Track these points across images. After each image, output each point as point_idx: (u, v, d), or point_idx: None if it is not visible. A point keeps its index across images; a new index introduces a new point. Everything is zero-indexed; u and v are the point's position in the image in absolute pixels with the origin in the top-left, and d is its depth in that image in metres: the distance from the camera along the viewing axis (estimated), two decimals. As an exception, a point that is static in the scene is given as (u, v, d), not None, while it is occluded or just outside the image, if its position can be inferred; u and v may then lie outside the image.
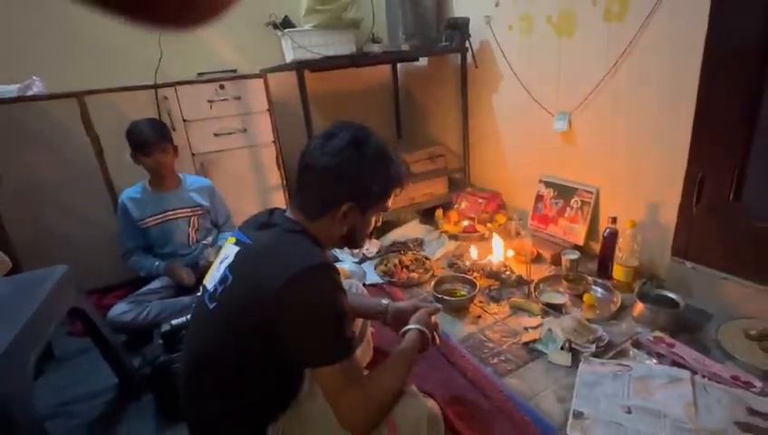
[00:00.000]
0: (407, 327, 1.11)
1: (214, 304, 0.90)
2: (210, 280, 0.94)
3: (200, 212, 1.94)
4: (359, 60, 2.27)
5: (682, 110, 1.61)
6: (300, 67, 2.07)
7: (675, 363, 1.34)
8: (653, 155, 1.76)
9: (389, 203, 0.99)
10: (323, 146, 0.90)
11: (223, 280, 0.91)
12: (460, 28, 2.33)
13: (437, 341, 1.20)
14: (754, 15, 1.37)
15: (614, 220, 1.83)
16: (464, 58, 2.48)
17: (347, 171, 0.88)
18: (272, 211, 0.98)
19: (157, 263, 1.87)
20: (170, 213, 1.90)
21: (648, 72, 1.71)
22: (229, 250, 0.96)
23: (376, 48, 2.36)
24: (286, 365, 0.87)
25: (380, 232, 2.57)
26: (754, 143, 1.48)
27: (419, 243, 2.42)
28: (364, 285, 2.00)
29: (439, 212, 2.63)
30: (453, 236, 2.44)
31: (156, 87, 2.02)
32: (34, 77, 1.91)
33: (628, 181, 1.88)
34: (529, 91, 2.21)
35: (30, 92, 1.86)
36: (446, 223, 2.55)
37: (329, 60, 2.20)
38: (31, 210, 1.91)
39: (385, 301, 1.26)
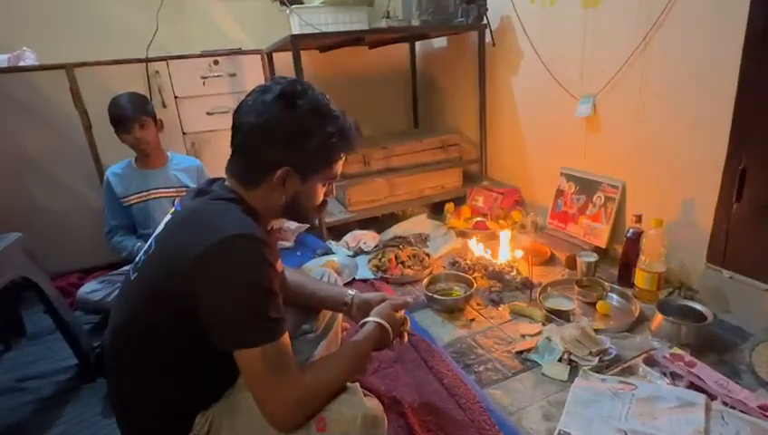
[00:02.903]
0: (366, 319, 1.07)
1: (135, 275, 0.88)
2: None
3: (185, 193, 1.96)
4: (361, 35, 2.22)
5: (722, 89, 1.47)
6: (295, 42, 2.05)
7: (692, 386, 1.20)
8: (687, 143, 1.63)
9: (337, 169, 0.94)
10: (254, 101, 0.86)
11: (147, 250, 0.89)
12: (476, 2, 2.24)
13: (405, 339, 1.15)
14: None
15: (639, 219, 1.72)
16: (481, 36, 2.41)
17: (277, 130, 0.84)
18: (214, 179, 0.96)
19: (138, 244, 1.90)
20: (153, 192, 1.92)
21: (682, 46, 1.58)
22: (165, 219, 0.94)
23: (384, 23, 2.31)
24: (215, 347, 0.83)
25: (383, 225, 2.53)
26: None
27: (424, 239, 2.37)
28: (354, 280, 1.98)
29: (450, 206, 2.57)
30: (461, 233, 2.37)
31: (147, 61, 2.06)
32: (26, 48, 1.99)
33: (658, 174, 1.77)
34: (551, 71, 2.12)
35: (21, 63, 1.95)
36: (455, 218, 2.48)
37: (328, 35, 2.17)
38: (15, 181, 1.98)
39: (352, 291, 1.22)
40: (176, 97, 2.17)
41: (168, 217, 0.94)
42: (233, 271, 0.77)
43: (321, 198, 0.96)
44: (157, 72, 2.10)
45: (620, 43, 1.77)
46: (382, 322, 1.05)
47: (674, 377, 1.25)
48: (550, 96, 2.16)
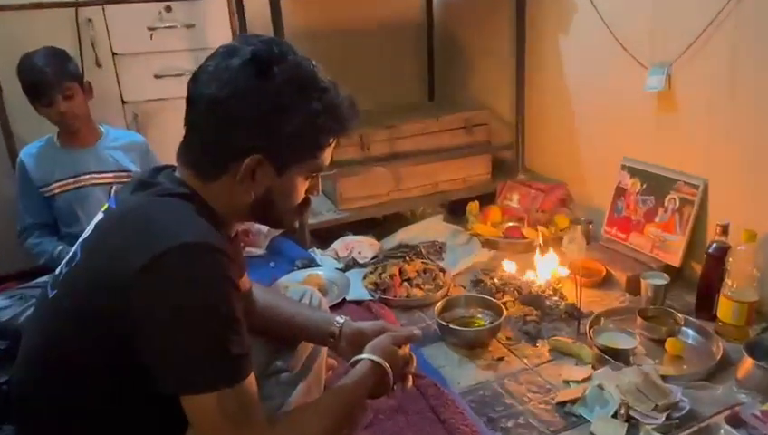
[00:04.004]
0: (358, 356, 1.07)
1: (54, 292, 0.89)
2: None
3: (125, 178, 1.97)
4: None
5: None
6: (273, -19, 2.07)
7: (790, 455, 1.20)
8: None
9: (325, 158, 0.94)
10: (217, 66, 0.86)
11: (71, 259, 0.90)
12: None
13: (410, 383, 1.16)
14: None
15: (724, 230, 1.73)
16: (521, -20, 2.43)
17: (245, 106, 0.84)
18: (161, 168, 0.97)
19: (60, 247, 1.91)
20: (84, 177, 1.94)
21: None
22: (96, 220, 0.95)
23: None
24: (157, 390, 0.83)
25: (384, 230, 2.54)
26: None
27: (438, 249, 2.38)
28: (344, 301, 2.00)
29: (474, 206, 2.58)
30: (488, 243, 2.39)
31: (76, 5, 2.07)
32: None
33: (752, 171, 1.78)
34: (612, 29, 2.13)
35: None
36: (481, 222, 2.49)
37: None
38: None
39: (341, 318, 1.22)
40: (114, 54, 2.17)
41: (99, 216, 0.94)
42: (182, 292, 0.77)
43: (302, 196, 0.97)
44: (89, 20, 2.10)
45: (705, -6, 1.78)
46: (380, 360, 1.05)
47: (766, 442, 1.25)
48: (610, 63, 2.17)
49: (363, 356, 1.05)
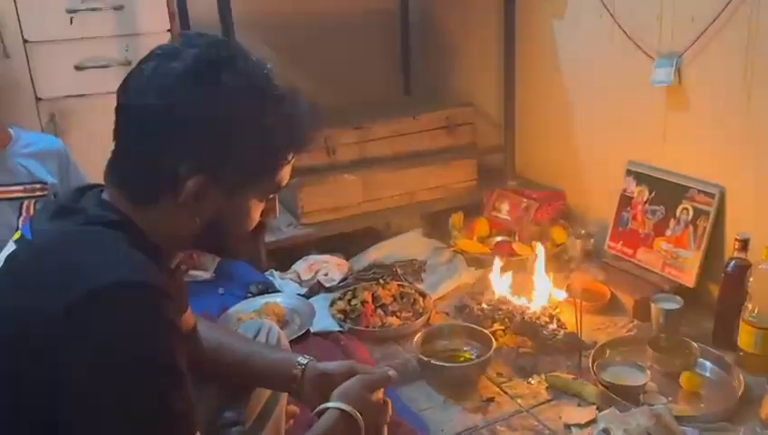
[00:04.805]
0: (325, 404, 1.07)
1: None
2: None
3: (40, 192, 1.93)
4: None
5: None
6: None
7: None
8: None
9: (282, 177, 0.94)
10: (154, 72, 0.85)
11: (-25, 304, 0.87)
12: None
13: (384, 434, 1.16)
14: None
15: (744, 245, 1.77)
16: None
17: (188, 119, 0.84)
18: (85, 189, 0.95)
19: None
20: (-12, 191, 1.89)
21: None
22: (4, 253, 0.93)
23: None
24: None
25: (354, 247, 2.54)
26: None
27: (417, 268, 2.40)
28: (308, 333, 1.99)
29: (457, 218, 2.61)
30: (475, 261, 2.41)
31: (-22, -15, 2.04)
32: None
33: None
34: (614, 15, 2.17)
35: None
36: (466, 237, 2.51)
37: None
38: None
39: (304, 359, 1.22)
40: (25, 41, 2.13)
41: (10, 247, 0.92)
42: (112, 340, 0.76)
43: (256, 220, 0.96)
44: (-8, 2, 2.07)
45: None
46: (350, 409, 1.05)
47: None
48: (612, 53, 2.21)
49: (330, 405, 1.05)
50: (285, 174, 0.95)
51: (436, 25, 3.17)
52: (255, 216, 0.96)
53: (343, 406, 1.05)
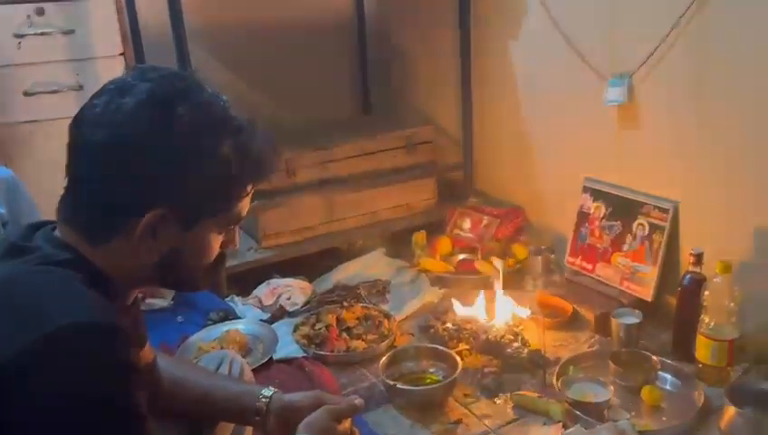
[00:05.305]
0: (292, 437, 1.06)
1: None
2: None
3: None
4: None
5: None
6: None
7: None
8: (761, 146, 1.75)
9: (242, 208, 0.95)
10: (107, 107, 0.84)
11: None
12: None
13: (352, 467, 1.15)
14: None
15: (698, 259, 1.81)
16: (464, -24, 2.51)
17: (144, 154, 0.83)
18: (37, 226, 0.93)
19: None
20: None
21: (752, 6, 1.70)
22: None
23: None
24: None
25: (317, 269, 2.53)
26: None
27: (381, 289, 2.40)
28: (271, 360, 1.97)
29: (420, 237, 2.61)
30: (438, 280, 2.42)
31: None
32: None
33: (724, 192, 1.88)
34: (566, 35, 2.22)
35: None
36: (429, 256, 2.52)
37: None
38: None
39: (268, 391, 1.21)
40: (-31, 67, 2.10)
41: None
42: (68, 385, 0.74)
43: (215, 252, 0.96)
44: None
45: (666, -2, 1.89)
46: (319, 443, 1.04)
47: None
48: (566, 73, 2.25)
49: (299, 437, 1.05)
50: (245, 205, 0.95)
51: (393, 41, 3.19)
52: (215, 247, 0.95)
53: (310, 439, 1.05)
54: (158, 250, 0.89)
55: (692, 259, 1.81)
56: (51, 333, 0.74)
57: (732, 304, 1.70)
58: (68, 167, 0.88)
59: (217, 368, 1.33)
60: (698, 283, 1.79)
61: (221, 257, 0.98)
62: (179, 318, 2.22)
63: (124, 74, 0.90)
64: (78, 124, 0.87)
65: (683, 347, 1.83)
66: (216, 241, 0.95)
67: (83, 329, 0.76)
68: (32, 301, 0.79)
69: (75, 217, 0.88)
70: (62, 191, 0.91)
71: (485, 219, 2.59)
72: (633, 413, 1.63)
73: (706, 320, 1.72)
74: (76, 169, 0.87)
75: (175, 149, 0.84)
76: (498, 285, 2.12)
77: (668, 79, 1.96)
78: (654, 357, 1.77)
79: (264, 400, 1.18)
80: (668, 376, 1.76)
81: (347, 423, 1.14)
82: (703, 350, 1.73)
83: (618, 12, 2.06)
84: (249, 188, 0.94)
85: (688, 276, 1.81)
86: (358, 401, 1.17)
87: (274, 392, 1.19)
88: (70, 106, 2.21)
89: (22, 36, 2.13)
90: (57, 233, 0.89)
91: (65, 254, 0.86)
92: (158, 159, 0.84)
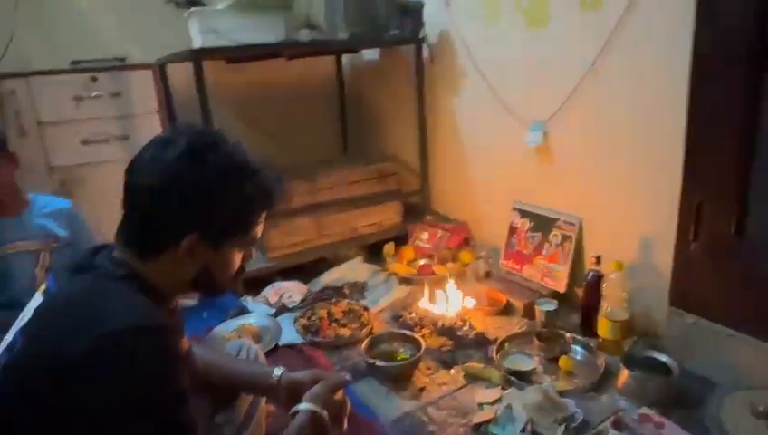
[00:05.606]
0: (298, 407, 1.06)
1: (-7, 381, 0.82)
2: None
3: (54, 245, 1.85)
4: (277, 49, 2.26)
5: (673, 116, 1.65)
6: (197, 58, 2.05)
7: (663, 450, 1.32)
8: (642, 174, 1.81)
9: (257, 232, 0.96)
10: (153, 158, 0.86)
11: (10, 348, 0.85)
12: (411, 14, 2.39)
13: (344, 426, 1.16)
14: (746, 10, 1.44)
15: (598, 260, 1.86)
16: (419, 51, 2.55)
17: (183, 194, 0.85)
18: (99, 248, 0.93)
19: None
20: (7, 246, 1.79)
21: (632, 73, 1.77)
22: (33, 303, 0.90)
23: (304, 35, 2.37)
24: None
25: (310, 273, 2.53)
26: (758, 157, 1.50)
27: (360, 288, 2.41)
28: (276, 347, 1.96)
29: (389, 247, 2.64)
30: (404, 280, 2.43)
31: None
32: None
33: (615, 209, 1.94)
34: (496, 93, 2.28)
35: None
36: (397, 262, 2.54)
37: (237, 50, 2.18)
38: None
39: (278, 371, 1.21)
40: (39, 123, 2.08)
41: (37, 300, 0.89)
42: (128, 373, 0.75)
43: (237, 265, 0.97)
44: (13, 91, 2.00)
45: (570, 66, 1.94)
46: (318, 409, 1.05)
47: (644, 441, 1.36)
48: (496, 121, 2.30)
49: (302, 407, 1.06)
50: (259, 229, 0.98)
51: (366, 100, 3.25)
52: (237, 262, 0.97)
53: (312, 406, 1.05)
54: (195, 266, 0.90)
55: (593, 260, 1.86)
56: (114, 332, 0.75)
57: (624, 294, 1.76)
58: (124, 203, 0.89)
59: (237, 353, 1.34)
60: (599, 278, 1.84)
61: (241, 269, 1.00)
62: (204, 314, 2.21)
63: (165, 131, 0.91)
64: (131, 170, 0.88)
65: (588, 326, 1.87)
66: (237, 257, 0.96)
67: (142, 328, 0.77)
68: (99, 308, 0.80)
69: (130, 240, 0.89)
70: (110, 218, 0.92)
71: (440, 232, 2.62)
72: (553, 377, 1.67)
73: (605, 306, 1.78)
74: (131, 205, 0.88)
75: (206, 189, 0.86)
76: (450, 283, 2.16)
77: (573, 125, 2.01)
78: (567, 334, 1.81)
79: (275, 377, 1.19)
80: (579, 348, 1.79)
81: (340, 393, 1.14)
82: (603, 328, 1.78)
83: (534, 77, 2.11)
84: (263, 215, 0.96)
85: (591, 273, 1.86)
86: (347, 376, 1.19)
87: (283, 371, 1.20)
88: (117, 152, 2.22)
89: (80, 99, 2.14)
90: (115, 254, 0.90)
91: (122, 270, 0.87)
92: (193, 197, 0.85)
